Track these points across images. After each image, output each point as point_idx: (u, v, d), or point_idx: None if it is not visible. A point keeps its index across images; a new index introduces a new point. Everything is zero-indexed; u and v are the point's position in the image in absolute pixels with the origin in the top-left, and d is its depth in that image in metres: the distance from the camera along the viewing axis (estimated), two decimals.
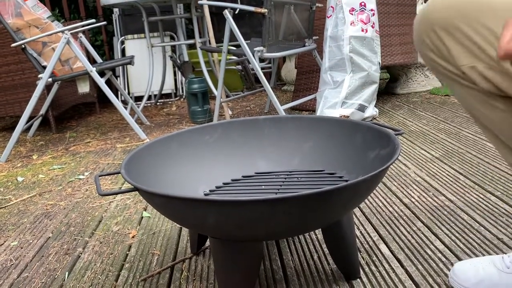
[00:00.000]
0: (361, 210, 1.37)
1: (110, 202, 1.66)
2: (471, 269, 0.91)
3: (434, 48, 0.73)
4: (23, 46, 2.42)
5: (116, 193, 0.90)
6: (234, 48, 2.55)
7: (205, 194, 1.13)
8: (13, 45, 2.41)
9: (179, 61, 3.50)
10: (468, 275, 0.91)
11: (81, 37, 2.85)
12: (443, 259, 1.06)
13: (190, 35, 4.00)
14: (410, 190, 1.49)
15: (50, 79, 2.43)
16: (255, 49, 2.23)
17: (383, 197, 1.45)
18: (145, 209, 1.55)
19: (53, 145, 2.65)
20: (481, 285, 0.89)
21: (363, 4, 2.32)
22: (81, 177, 1.99)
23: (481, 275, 0.89)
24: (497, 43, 0.64)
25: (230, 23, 2.32)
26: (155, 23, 3.59)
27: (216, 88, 2.70)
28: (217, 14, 3.62)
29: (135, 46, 3.88)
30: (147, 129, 2.80)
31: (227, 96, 3.23)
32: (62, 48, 2.39)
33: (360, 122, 1.12)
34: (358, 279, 1.01)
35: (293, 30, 2.46)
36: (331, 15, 2.38)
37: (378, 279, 1.01)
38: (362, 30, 2.32)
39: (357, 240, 1.18)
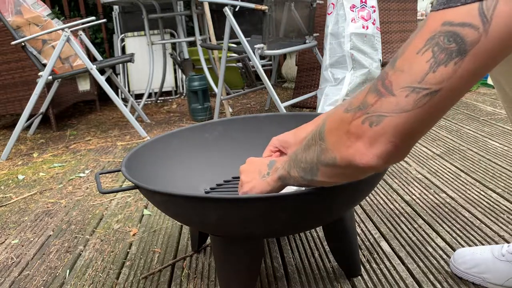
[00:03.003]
0: (362, 208, 1.37)
1: (110, 200, 1.66)
2: (469, 254, 0.96)
3: None
4: (23, 44, 2.42)
5: (117, 191, 0.90)
6: (234, 45, 2.54)
7: (206, 192, 1.13)
8: (13, 43, 2.40)
9: (179, 59, 3.49)
10: (465, 259, 0.96)
11: (81, 34, 2.85)
12: (444, 256, 1.06)
13: (190, 32, 4.00)
14: (411, 187, 1.48)
15: (50, 77, 2.42)
16: (255, 46, 2.23)
17: (384, 195, 1.45)
18: (145, 207, 1.55)
19: (53, 143, 2.65)
20: (475, 269, 0.93)
21: (363, 0, 2.31)
22: (81, 175, 1.99)
23: (477, 260, 0.94)
24: None
25: (231, 20, 2.31)
26: (155, 21, 3.58)
27: (217, 86, 2.69)
28: (217, 11, 3.61)
29: (135, 43, 3.87)
30: (147, 127, 2.80)
31: (228, 94, 3.22)
32: (62, 46, 2.39)
33: None
34: (359, 277, 1.01)
35: (294, 27, 2.45)
36: (331, 12, 2.38)
37: (379, 276, 1.01)
38: (363, 27, 2.31)
39: (358, 237, 1.18)
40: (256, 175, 0.79)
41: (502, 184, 1.43)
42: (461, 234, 1.15)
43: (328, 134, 0.58)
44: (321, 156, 0.60)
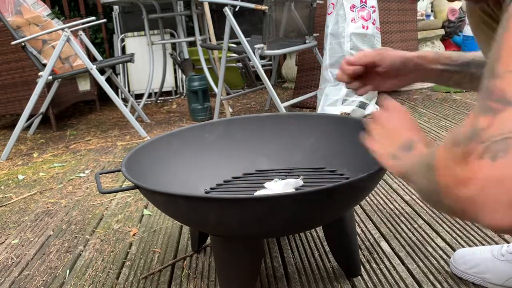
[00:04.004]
0: (362, 208, 1.37)
1: (110, 200, 1.65)
2: (469, 254, 0.96)
3: None
4: (23, 44, 2.42)
5: (117, 191, 0.90)
6: (234, 45, 2.54)
7: (206, 192, 1.13)
8: (13, 43, 2.40)
9: (179, 59, 3.49)
10: (465, 259, 0.96)
11: (81, 35, 2.85)
12: (444, 256, 1.06)
13: (190, 32, 4.00)
14: (411, 187, 1.48)
15: (50, 77, 2.42)
16: (255, 46, 2.23)
17: (384, 195, 1.45)
18: (145, 207, 1.55)
19: (53, 143, 2.65)
20: (475, 269, 0.94)
21: (363, 0, 2.31)
22: (81, 175, 1.99)
23: (477, 260, 0.94)
24: None
25: (231, 20, 2.31)
26: (155, 21, 3.58)
27: (217, 86, 2.69)
28: (217, 11, 3.60)
29: (135, 43, 3.87)
30: (147, 127, 2.80)
31: (228, 94, 3.22)
32: (62, 46, 2.39)
33: (361, 119, 1.12)
34: (359, 277, 1.01)
35: (294, 27, 2.45)
36: (331, 12, 2.38)
37: (379, 276, 1.01)
38: (363, 27, 2.31)
39: (358, 237, 1.18)
40: (388, 148, 0.69)
41: None
42: (461, 234, 1.15)
43: (438, 176, 0.43)
44: (436, 197, 0.45)
